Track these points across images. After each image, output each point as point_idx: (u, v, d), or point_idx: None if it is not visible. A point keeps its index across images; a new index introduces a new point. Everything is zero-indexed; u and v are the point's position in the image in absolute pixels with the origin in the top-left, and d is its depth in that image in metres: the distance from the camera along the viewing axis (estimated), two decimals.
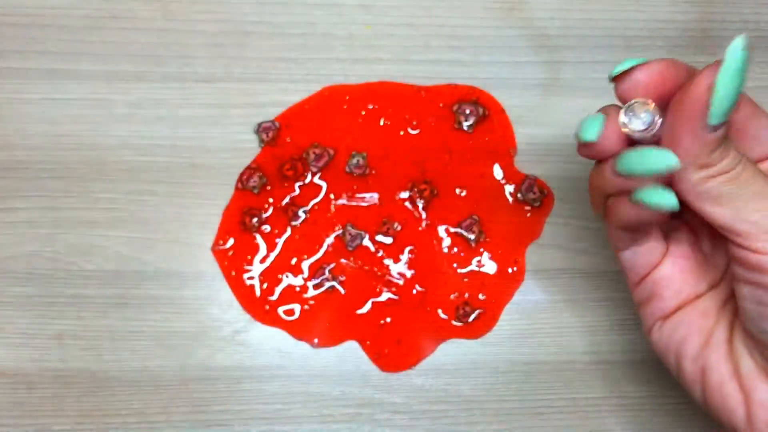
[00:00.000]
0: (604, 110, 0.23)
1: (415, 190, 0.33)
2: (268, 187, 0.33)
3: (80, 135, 0.33)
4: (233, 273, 0.33)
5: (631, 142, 0.23)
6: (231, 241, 0.33)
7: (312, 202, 0.33)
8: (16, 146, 0.33)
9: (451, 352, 0.33)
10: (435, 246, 0.33)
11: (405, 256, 0.33)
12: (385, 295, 0.33)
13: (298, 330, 0.32)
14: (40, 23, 0.34)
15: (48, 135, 0.33)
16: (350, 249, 0.33)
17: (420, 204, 0.33)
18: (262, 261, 0.33)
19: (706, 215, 0.22)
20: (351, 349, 0.32)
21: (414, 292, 0.33)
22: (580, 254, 0.34)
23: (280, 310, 0.32)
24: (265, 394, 0.32)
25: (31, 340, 0.32)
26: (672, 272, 0.25)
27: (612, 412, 0.33)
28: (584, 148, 0.23)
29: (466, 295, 0.33)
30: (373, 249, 0.33)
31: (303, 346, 0.32)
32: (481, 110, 0.34)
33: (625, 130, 0.22)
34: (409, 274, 0.33)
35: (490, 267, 0.33)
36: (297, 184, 0.33)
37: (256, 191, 0.33)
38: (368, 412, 0.32)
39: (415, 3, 0.35)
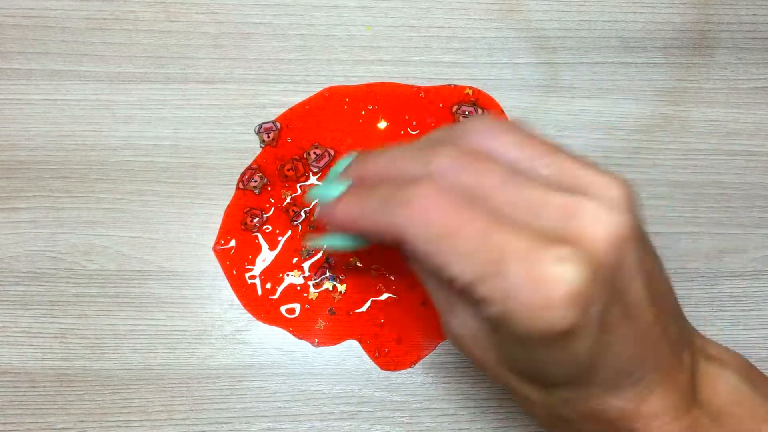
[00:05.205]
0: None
1: None
2: (269, 188, 0.34)
3: (82, 135, 0.34)
4: (234, 272, 0.33)
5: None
6: (232, 242, 0.33)
7: (313, 203, 0.34)
8: (19, 147, 0.33)
9: (450, 350, 0.33)
10: None
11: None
12: (385, 294, 0.33)
13: (298, 329, 0.33)
14: (42, 25, 0.34)
15: (50, 135, 0.34)
16: None
17: None
18: (263, 260, 0.33)
19: None
20: (351, 348, 0.33)
21: (413, 291, 0.33)
22: None
23: (282, 309, 0.33)
24: (266, 392, 0.32)
25: (33, 339, 0.32)
26: None
27: None
28: None
29: None
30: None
31: (304, 345, 0.33)
32: (480, 111, 0.34)
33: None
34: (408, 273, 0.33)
35: None
36: (298, 185, 0.34)
37: (257, 191, 0.33)
38: (368, 410, 0.32)
39: (414, 5, 0.35)
